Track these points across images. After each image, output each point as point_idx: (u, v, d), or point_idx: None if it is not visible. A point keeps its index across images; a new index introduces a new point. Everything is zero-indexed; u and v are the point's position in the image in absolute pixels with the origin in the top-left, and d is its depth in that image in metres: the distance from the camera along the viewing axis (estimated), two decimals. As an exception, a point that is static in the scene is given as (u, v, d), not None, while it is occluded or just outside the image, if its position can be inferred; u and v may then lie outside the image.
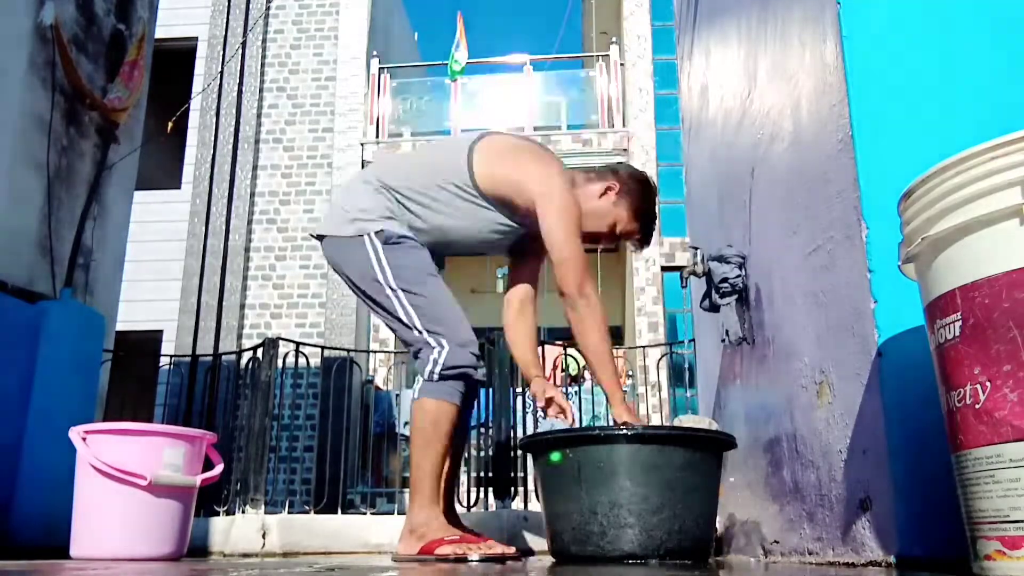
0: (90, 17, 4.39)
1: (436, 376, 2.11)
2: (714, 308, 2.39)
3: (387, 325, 2.26)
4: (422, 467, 2.12)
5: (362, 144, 9.56)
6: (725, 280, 2.31)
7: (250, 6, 9.90)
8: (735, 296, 2.31)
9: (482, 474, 4.98)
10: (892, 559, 1.35)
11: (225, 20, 9.81)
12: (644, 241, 2.41)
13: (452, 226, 2.26)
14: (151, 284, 8.55)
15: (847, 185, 1.52)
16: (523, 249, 2.43)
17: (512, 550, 2.12)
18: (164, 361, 7.38)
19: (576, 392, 6.70)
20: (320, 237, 2.32)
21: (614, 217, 2.31)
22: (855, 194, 1.49)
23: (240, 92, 9.64)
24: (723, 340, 2.51)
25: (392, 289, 2.17)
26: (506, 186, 2.21)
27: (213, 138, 9.49)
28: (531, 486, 4.29)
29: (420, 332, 2.15)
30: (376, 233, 2.20)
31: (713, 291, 2.36)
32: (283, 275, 9.27)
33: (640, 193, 2.33)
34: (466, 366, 2.13)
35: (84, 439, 2.70)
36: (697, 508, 1.88)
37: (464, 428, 2.43)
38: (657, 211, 2.41)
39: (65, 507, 2.76)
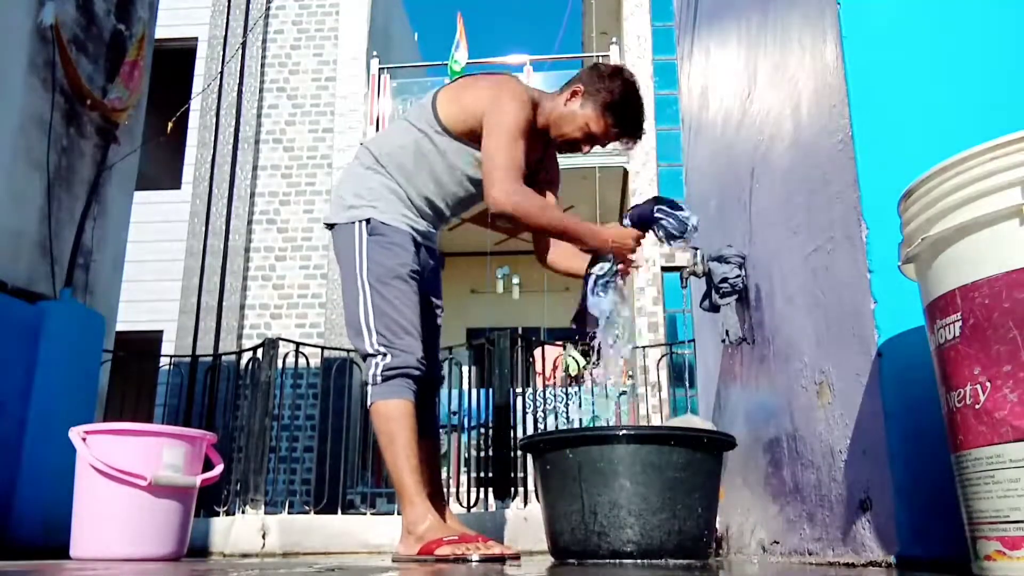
0: (90, 17, 4.39)
1: (380, 379, 2.16)
2: (714, 308, 2.39)
3: (346, 322, 2.29)
4: (395, 466, 2.15)
5: (362, 144, 9.57)
6: (725, 280, 2.31)
7: (250, 6, 9.90)
8: (735, 296, 2.31)
9: (482, 474, 4.98)
10: (892, 559, 1.35)
11: (225, 20, 9.81)
12: (626, 133, 2.34)
13: (437, 174, 2.31)
14: (151, 284, 8.55)
15: (847, 186, 1.52)
16: (531, 187, 2.44)
17: (512, 550, 2.12)
18: (164, 361, 7.37)
19: (576, 392, 6.70)
20: (331, 227, 2.38)
21: (583, 118, 2.28)
22: (855, 194, 1.49)
23: (240, 92, 9.64)
24: (723, 340, 2.51)
25: (362, 281, 2.23)
26: (466, 114, 2.25)
27: (213, 138, 9.49)
28: (531, 486, 4.29)
29: (369, 332, 2.19)
30: (365, 221, 2.26)
31: (713, 291, 2.36)
32: (283, 275, 9.27)
33: (607, 88, 2.28)
34: (408, 367, 2.17)
35: (84, 439, 2.70)
36: (697, 508, 1.88)
37: (432, 426, 2.48)
38: (635, 100, 2.32)
39: (65, 507, 2.76)
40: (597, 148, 2.43)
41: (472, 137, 2.26)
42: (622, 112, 2.30)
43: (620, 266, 2.25)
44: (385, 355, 2.17)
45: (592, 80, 2.30)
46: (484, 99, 2.23)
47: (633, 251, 2.25)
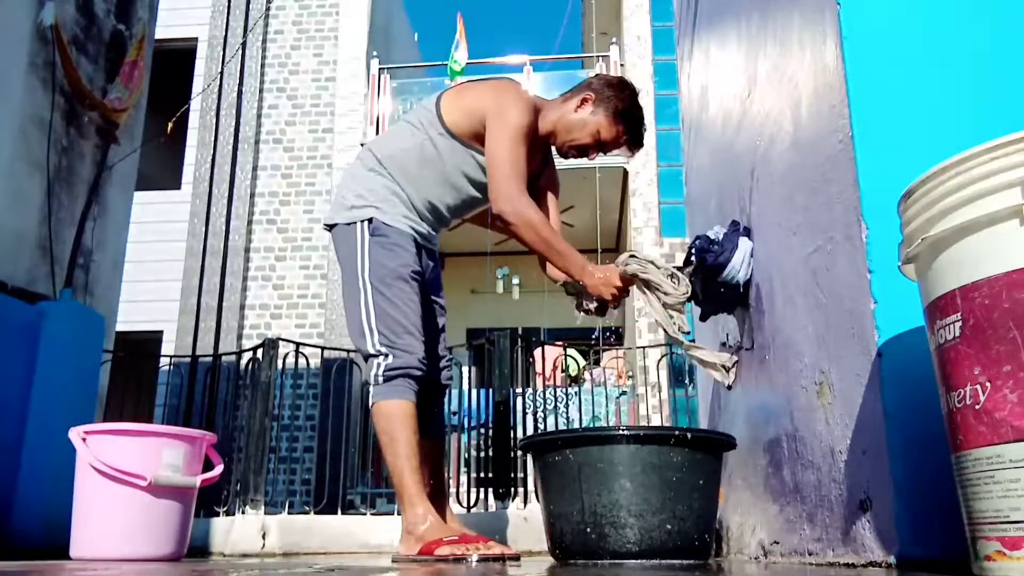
0: (90, 18, 4.39)
1: (381, 379, 2.17)
2: (715, 308, 2.38)
3: (348, 322, 2.29)
4: (396, 467, 2.15)
5: (362, 145, 9.55)
6: (724, 283, 2.26)
7: (250, 7, 9.90)
8: (736, 288, 2.24)
9: (482, 475, 4.98)
10: (892, 560, 1.35)
11: (225, 21, 9.81)
12: (633, 142, 2.41)
13: (440, 177, 2.32)
14: (151, 285, 8.54)
15: (847, 186, 1.52)
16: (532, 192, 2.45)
17: (512, 550, 2.12)
18: (164, 362, 7.37)
19: (576, 392, 6.70)
20: (330, 228, 2.38)
21: (595, 125, 2.33)
22: (855, 195, 1.49)
23: (240, 93, 9.64)
24: (723, 344, 2.51)
25: (364, 281, 2.23)
26: (469, 116, 2.27)
27: (213, 139, 9.49)
28: (531, 486, 4.29)
29: (371, 332, 2.19)
30: (367, 222, 2.26)
31: (710, 290, 2.33)
32: (283, 276, 9.27)
33: (617, 96, 2.35)
34: (410, 367, 2.18)
35: (84, 439, 2.70)
36: (697, 508, 1.88)
37: (438, 426, 2.48)
38: (640, 111, 2.40)
39: (65, 507, 2.76)
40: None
41: (475, 139, 2.27)
42: (631, 120, 2.37)
43: (591, 306, 2.25)
44: (387, 355, 2.17)
45: (601, 88, 2.35)
46: (487, 101, 2.25)
47: (609, 300, 2.24)
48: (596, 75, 2.49)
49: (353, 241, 2.27)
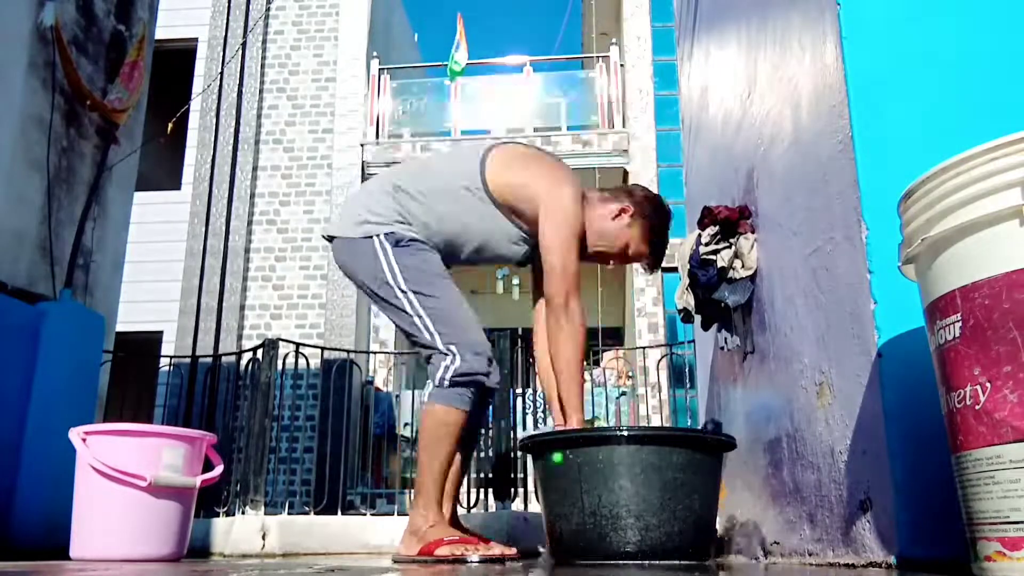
0: (90, 18, 4.39)
1: (447, 383, 2.11)
2: (716, 312, 2.38)
3: (401, 329, 2.24)
4: (427, 471, 2.13)
5: (362, 145, 9.56)
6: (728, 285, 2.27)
7: (250, 7, 9.90)
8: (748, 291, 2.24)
9: (482, 475, 4.98)
10: (892, 560, 1.35)
11: (225, 21, 9.81)
12: (655, 265, 2.39)
13: (461, 231, 2.25)
14: (151, 285, 8.54)
15: (847, 186, 1.52)
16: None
17: (512, 551, 2.12)
18: (164, 362, 7.37)
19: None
20: (330, 239, 2.32)
21: (626, 239, 2.30)
22: (855, 195, 1.49)
23: (240, 93, 9.64)
24: (722, 347, 2.51)
25: (403, 291, 2.17)
26: (516, 191, 2.21)
27: (213, 139, 9.49)
28: (531, 487, 4.28)
29: (432, 336, 2.14)
30: (386, 235, 2.20)
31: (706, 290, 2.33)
32: (283, 276, 9.27)
33: (654, 217, 2.31)
34: (478, 373, 2.13)
35: (84, 440, 2.70)
36: (697, 509, 1.88)
37: (474, 434, 2.42)
38: (668, 237, 2.37)
39: (65, 508, 2.76)
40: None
41: (515, 212, 2.23)
42: (661, 244, 2.34)
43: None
44: (455, 356, 2.12)
45: (642, 204, 2.30)
46: (543, 186, 2.19)
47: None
48: (637, 185, 2.44)
49: (372, 255, 2.19)
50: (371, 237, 2.20)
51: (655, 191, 2.43)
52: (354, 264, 2.25)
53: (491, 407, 4.98)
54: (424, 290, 2.16)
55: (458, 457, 2.28)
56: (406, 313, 2.17)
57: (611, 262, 2.37)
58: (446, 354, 2.12)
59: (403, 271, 2.17)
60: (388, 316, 2.24)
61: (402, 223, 2.22)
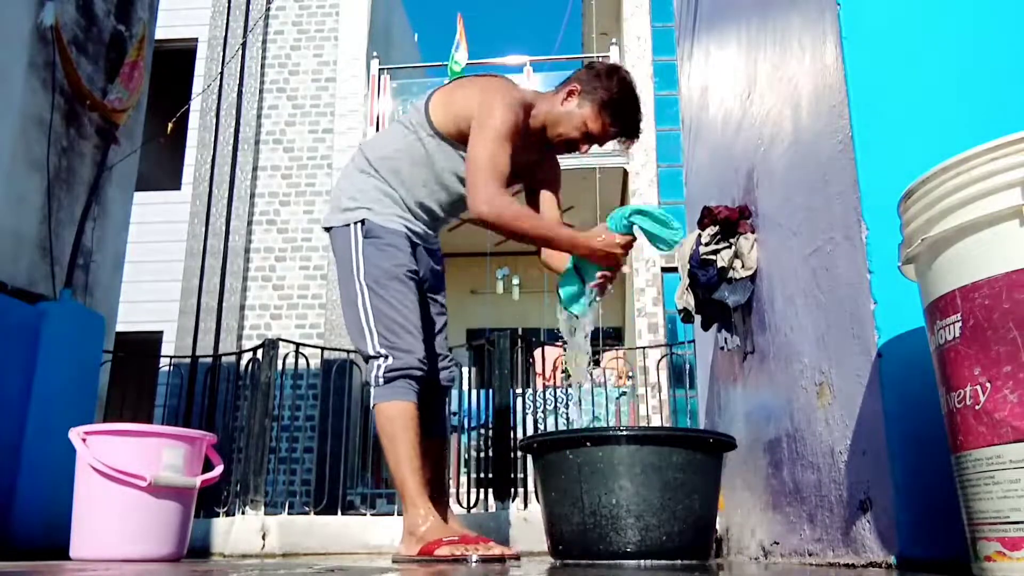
0: (90, 18, 4.39)
1: (382, 380, 2.17)
2: (716, 312, 2.38)
3: (347, 325, 2.28)
4: (397, 468, 2.16)
5: (359, 147, 9.57)
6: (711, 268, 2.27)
7: (250, 7, 9.89)
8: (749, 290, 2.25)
9: (482, 475, 4.98)
10: (892, 560, 1.35)
11: (225, 21, 9.80)
12: (624, 132, 2.32)
13: (430, 177, 2.31)
14: (151, 285, 8.54)
15: (847, 186, 1.52)
16: (530, 187, 2.47)
17: (512, 551, 2.12)
18: (164, 362, 7.37)
19: (576, 392, 6.69)
20: (328, 230, 2.39)
21: (580, 118, 2.27)
22: (855, 195, 1.49)
23: (240, 93, 9.64)
24: (722, 347, 2.51)
25: (360, 283, 2.23)
26: (458, 117, 2.24)
27: (213, 139, 9.49)
28: (531, 487, 4.28)
29: (370, 334, 2.19)
30: (360, 223, 2.26)
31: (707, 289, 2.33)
32: (283, 276, 9.27)
33: (604, 86, 2.26)
34: (411, 367, 2.17)
35: (84, 440, 2.70)
36: (697, 509, 1.88)
37: (440, 427, 2.47)
38: (632, 100, 2.29)
39: (65, 508, 2.76)
40: (596, 148, 2.42)
41: (462, 140, 2.25)
42: (620, 110, 2.28)
43: (596, 284, 2.19)
44: (387, 356, 2.17)
45: (588, 79, 2.29)
46: (473, 101, 2.22)
47: (621, 259, 2.20)
48: (587, 64, 2.41)
49: (348, 243, 2.27)
50: (348, 225, 2.28)
51: (620, 76, 2.32)
52: (335, 251, 2.32)
53: (489, 406, 4.99)
54: (378, 288, 2.21)
55: (432, 453, 2.32)
56: (356, 305, 2.22)
57: (583, 147, 2.31)
58: (375, 356, 2.18)
59: (366, 265, 2.23)
60: (344, 310, 2.28)
61: (381, 199, 2.28)
